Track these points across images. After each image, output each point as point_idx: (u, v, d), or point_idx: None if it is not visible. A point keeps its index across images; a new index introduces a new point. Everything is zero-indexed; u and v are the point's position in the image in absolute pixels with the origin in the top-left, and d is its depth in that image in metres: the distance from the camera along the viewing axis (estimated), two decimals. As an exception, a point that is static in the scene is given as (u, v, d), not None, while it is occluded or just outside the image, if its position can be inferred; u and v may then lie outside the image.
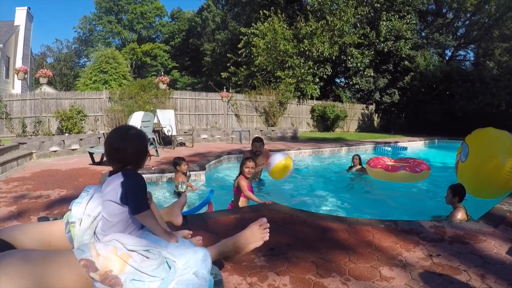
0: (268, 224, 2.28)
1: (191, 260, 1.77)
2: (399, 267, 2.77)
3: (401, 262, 2.86)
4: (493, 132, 6.26)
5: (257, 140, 7.35)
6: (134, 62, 49.61)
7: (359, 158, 8.99)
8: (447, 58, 33.37)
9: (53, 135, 12.91)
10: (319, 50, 23.02)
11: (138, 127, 8.65)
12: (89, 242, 1.80)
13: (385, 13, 25.87)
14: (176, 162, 6.61)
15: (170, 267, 1.74)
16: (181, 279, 1.68)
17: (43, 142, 10.13)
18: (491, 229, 3.62)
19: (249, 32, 23.76)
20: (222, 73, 28.40)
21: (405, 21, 26.10)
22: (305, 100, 23.85)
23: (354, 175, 8.75)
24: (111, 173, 1.96)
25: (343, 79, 30.42)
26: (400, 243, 3.23)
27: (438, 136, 21.20)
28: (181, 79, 48.96)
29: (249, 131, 16.14)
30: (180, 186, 6.10)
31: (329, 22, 22.98)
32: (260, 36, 23.13)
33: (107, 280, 1.59)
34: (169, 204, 2.79)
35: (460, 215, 4.56)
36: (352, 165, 9.03)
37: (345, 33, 23.62)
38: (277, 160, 6.84)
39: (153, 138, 10.15)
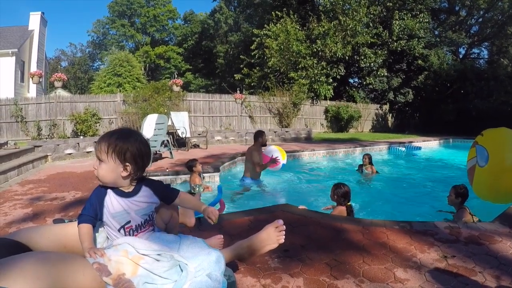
0: (284, 227, 2.23)
1: (205, 262, 1.77)
2: (414, 268, 2.74)
3: (416, 263, 2.83)
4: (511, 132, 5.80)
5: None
6: (147, 64, 50.08)
7: (369, 157, 8.93)
8: (460, 56, 33.00)
9: (68, 138, 13.07)
10: (332, 51, 22.98)
11: (152, 129, 8.75)
12: (101, 247, 1.80)
13: (397, 12, 25.74)
14: (190, 165, 6.62)
15: (182, 270, 1.74)
16: (195, 281, 1.68)
17: (58, 145, 10.26)
18: (507, 230, 3.56)
19: (262, 33, 23.78)
20: (235, 75, 28.51)
21: (417, 19, 25.88)
22: (318, 101, 23.79)
23: (366, 176, 8.70)
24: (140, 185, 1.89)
25: (356, 79, 30.32)
26: (415, 244, 3.19)
27: (452, 135, 20.96)
28: (195, 81, 49.20)
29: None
30: (197, 188, 6.05)
31: (342, 22, 22.93)
32: (272, 37, 23.16)
33: (120, 284, 1.59)
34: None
35: (465, 217, 4.51)
36: (362, 163, 8.99)
37: (357, 33, 23.54)
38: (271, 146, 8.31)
39: (167, 140, 10.20)
